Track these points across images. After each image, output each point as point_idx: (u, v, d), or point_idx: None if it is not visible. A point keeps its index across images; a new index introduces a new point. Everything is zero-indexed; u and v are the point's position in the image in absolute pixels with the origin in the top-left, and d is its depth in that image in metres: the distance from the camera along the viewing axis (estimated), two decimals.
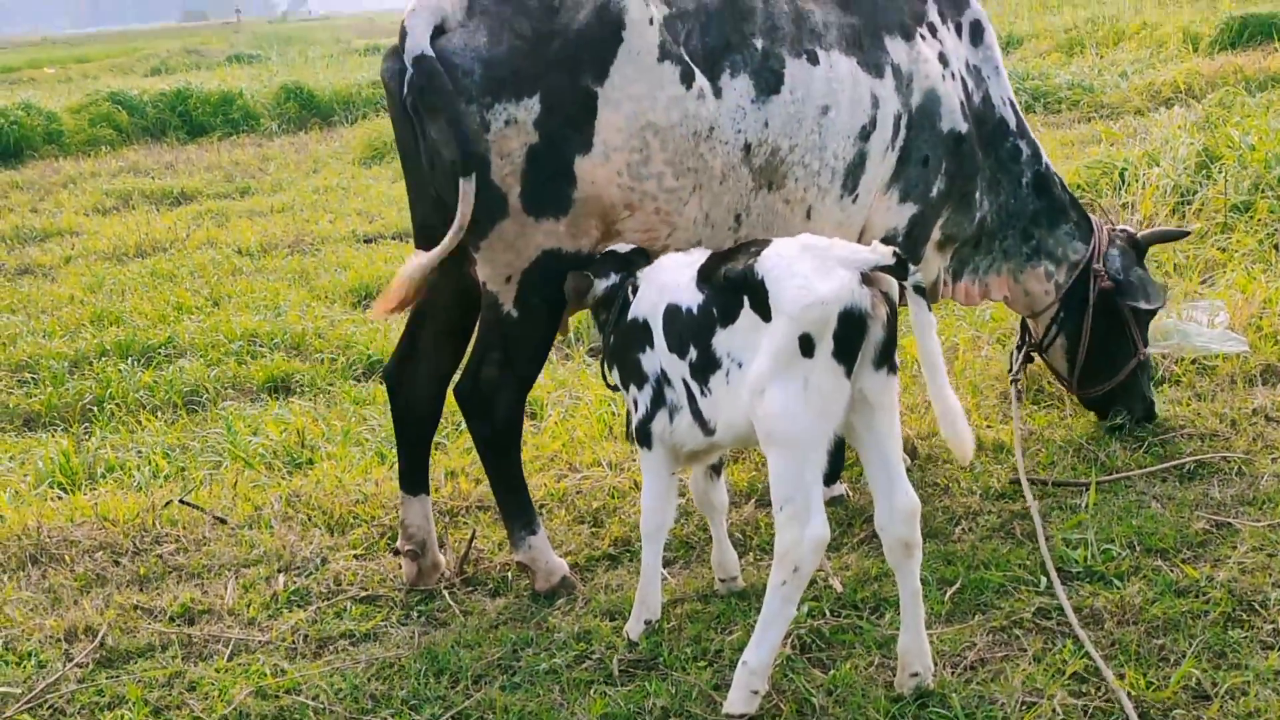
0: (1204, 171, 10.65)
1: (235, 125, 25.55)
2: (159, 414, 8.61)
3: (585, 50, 5.24)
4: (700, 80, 5.38)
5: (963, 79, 6.36)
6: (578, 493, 6.66)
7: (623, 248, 5.45)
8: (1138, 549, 5.61)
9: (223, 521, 6.51)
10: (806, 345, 4.34)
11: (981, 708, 4.51)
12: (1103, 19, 27.59)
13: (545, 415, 7.81)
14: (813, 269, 4.42)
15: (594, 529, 6.31)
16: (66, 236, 15.46)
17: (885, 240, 5.41)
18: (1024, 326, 7.14)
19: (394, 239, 14.04)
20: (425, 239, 5.61)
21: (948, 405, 4.62)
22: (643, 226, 5.48)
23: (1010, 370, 7.12)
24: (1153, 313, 6.92)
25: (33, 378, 9.49)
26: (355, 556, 6.14)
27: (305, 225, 15.22)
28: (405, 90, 5.15)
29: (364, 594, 5.76)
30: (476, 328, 5.68)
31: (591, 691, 4.78)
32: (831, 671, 4.80)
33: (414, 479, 5.88)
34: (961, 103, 6.29)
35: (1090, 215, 7.01)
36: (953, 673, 4.76)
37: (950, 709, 4.49)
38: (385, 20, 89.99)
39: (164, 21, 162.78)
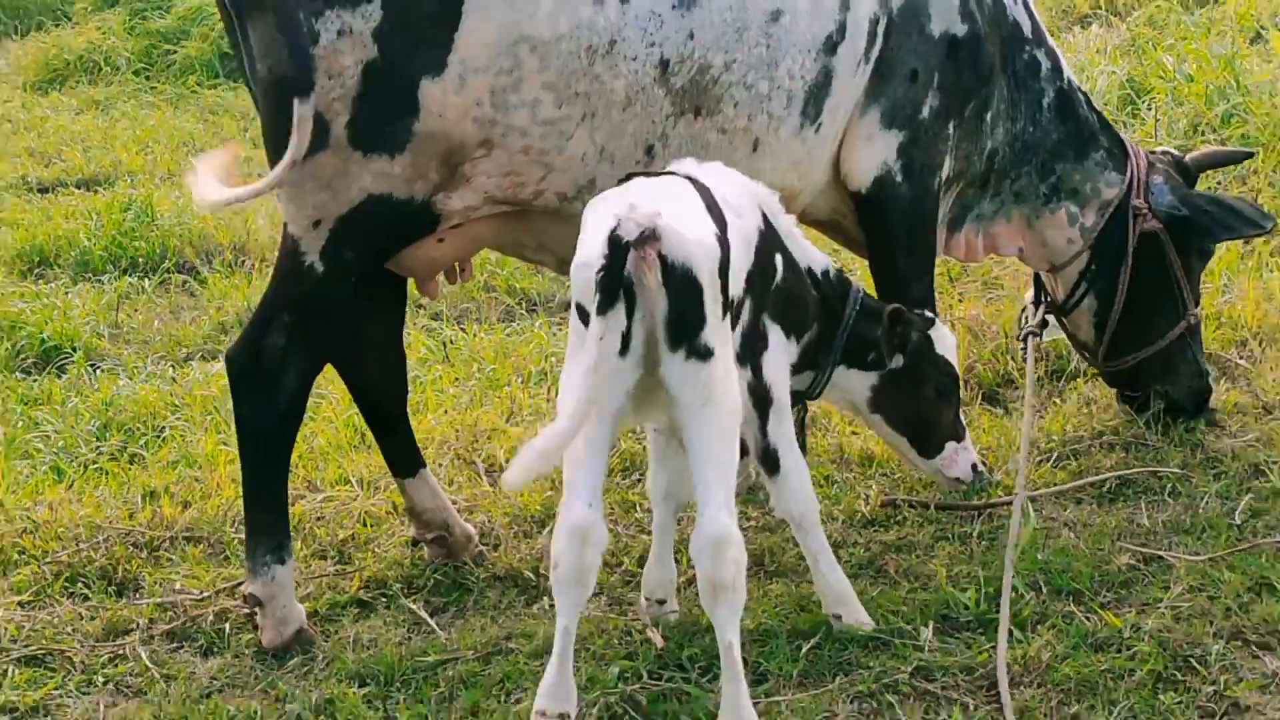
0: (1129, 108, 10.79)
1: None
2: None
3: None
4: None
5: None
6: (318, 519, 6.56)
7: None
8: (1045, 590, 5.62)
9: None
10: (582, 316, 4.55)
11: None
12: None
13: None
14: (596, 222, 4.59)
15: (340, 566, 6.22)
16: None
17: (876, 179, 6.10)
18: (1038, 282, 7.17)
19: (78, 187, 13.70)
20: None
21: None
22: (502, 169, 5.47)
23: (1018, 334, 7.18)
24: (1208, 256, 7.15)
25: None
26: (20, 604, 5.91)
27: None
28: None
29: (31, 653, 5.57)
30: (274, 285, 5.66)
31: None
32: None
33: (398, 458, 6.17)
34: (959, 4, 6.31)
35: (1124, 139, 7.00)
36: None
37: None
38: None
39: None
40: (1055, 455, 6.84)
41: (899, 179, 6.16)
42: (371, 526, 6.64)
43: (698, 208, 4.82)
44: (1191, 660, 5.16)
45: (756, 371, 5.25)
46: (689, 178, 5.03)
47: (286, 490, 5.69)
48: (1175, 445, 6.93)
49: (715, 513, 4.52)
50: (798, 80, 5.79)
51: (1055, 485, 6.62)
